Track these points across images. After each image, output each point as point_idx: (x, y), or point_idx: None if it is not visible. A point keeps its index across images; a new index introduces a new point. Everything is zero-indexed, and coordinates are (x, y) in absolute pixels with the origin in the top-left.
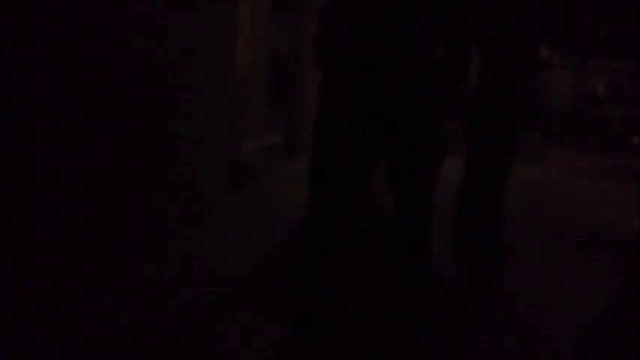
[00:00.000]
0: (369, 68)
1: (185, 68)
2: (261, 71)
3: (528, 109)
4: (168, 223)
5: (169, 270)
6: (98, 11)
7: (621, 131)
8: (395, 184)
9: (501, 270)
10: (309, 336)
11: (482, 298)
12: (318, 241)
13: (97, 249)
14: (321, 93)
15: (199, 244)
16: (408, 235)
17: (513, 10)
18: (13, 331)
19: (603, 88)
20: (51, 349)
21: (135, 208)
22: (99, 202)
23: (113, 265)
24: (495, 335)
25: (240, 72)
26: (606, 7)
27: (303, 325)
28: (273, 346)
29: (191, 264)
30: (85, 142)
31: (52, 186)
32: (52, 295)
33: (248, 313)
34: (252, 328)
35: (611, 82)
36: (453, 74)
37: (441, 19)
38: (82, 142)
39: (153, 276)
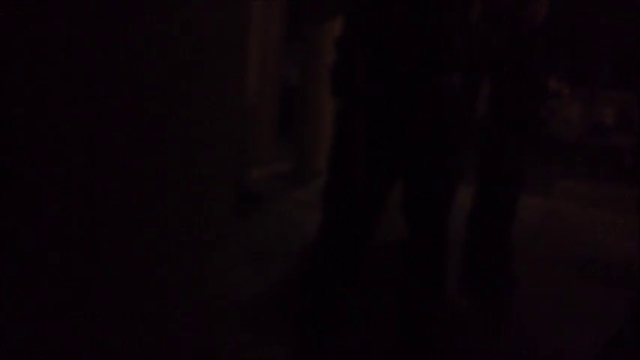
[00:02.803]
0: (387, 94)
1: (195, 91)
2: (272, 99)
3: (538, 139)
4: (173, 249)
5: (173, 296)
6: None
7: (632, 164)
8: (410, 209)
9: (510, 301)
10: None
11: (490, 328)
12: (331, 267)
13: (98, 272)
14: (339, 119)
15: (206, 270)
16: (421, 262)
17: (523, 42)
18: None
19: (613, 119)
20: None
21: (139, 234)
22: (100, 226)
23: (115, 290)
24: None
25: (251, 100)
26: (616, 39)
27: (308, 352)
28: None
29: (196, 290)
30: (86, 162)
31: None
32: (48, 319)
33: (253, 341)
34: (257, 354)
35: (621, 113)
36: (465, 102)
37: (456, 48)
38: (85, 161)
39: (156, 301)
